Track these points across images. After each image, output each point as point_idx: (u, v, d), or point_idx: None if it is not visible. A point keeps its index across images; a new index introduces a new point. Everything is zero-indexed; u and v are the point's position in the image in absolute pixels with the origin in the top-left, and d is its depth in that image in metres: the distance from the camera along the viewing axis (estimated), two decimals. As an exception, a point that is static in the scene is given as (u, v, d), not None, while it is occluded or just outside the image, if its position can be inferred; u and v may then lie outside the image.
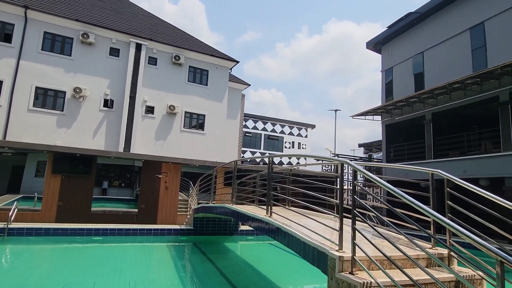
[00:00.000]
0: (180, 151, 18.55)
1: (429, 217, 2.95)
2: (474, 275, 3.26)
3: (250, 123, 36.07)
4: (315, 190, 5.15)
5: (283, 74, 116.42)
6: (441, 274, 3.21)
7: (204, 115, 20.43)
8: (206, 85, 20.77)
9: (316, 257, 3.66)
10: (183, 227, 11.14)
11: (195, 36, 22.96)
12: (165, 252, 9.39)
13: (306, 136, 39.13)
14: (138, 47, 18.82)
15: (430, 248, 3.88)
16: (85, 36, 17.40)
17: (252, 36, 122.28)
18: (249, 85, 24.80)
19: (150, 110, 19.01)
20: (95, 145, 16.80)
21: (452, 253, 3.63)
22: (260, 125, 36.72)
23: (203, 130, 20.33)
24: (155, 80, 19.26)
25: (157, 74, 19.41)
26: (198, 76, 20.73)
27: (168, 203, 12.66)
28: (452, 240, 3.69)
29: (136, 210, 12.39)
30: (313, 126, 39.91)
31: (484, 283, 3.31)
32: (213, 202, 9.76)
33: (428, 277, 2.62)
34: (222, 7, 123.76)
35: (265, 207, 5.60)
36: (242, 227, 11.39)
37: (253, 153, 35.20)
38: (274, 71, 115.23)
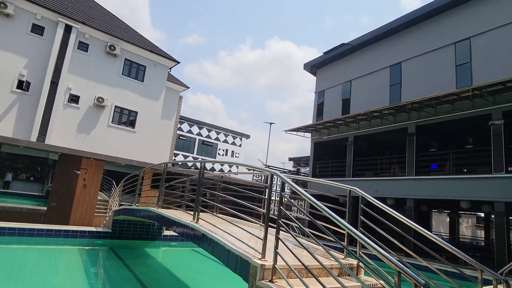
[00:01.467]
0: (105, 147, 17.17)
1: (344, 230, 3.25)
2: (377, 283, 3.67)
3: (185, 126, 35.20)
4: (244, 198, 5.25)
5: (223, 81, 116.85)
6: (350, 283, 3.53)
7: (136, 112, 19.31)
8: (142, 81, 19.74)
9: (239, 265, 3.71)
10: (99, 229, 10.26)
11: (135, 29, 21.76)
12: (75, 257, 8.51)
13: (240, 145, 39.61)
14: (68, 29, 17.08)
15: (342, 258, 4.25)
16: (1, 5, 15.18)
17: (196, 40, 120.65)
18: (188, 87, 24.31)
19: (74, 99, 17.28)
20: (1, 131, 14.59)
21: (360, 264, 4.03)
22: (195, 129, 36.07)
23: (133, 127, 19.17)
24: (84, 68, 17.64)
25: (87, 62, 17.81)
26: (134, 70, 19.61)
27: (84, 203, 11.55)
28: (362, 252, 4.09)
29: (45, 208, 11.03)
30: (247, 136, 40.64)
31: (383, 290, 3.73)
32: (137, 204, 9.22)
33: (339, 285, 2.86)
34: (168, 5, 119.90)
35: (192, 212, 5.51)
36: (166, 232, 10.96)
37: (185, 157, 34.31)
38: (215, 77, 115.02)
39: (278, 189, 4.11)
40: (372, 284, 3.63)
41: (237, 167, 33.02)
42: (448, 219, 21.02)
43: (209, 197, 9.70)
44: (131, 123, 19.18)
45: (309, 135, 20.19)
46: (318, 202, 3.24)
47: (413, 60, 15.46)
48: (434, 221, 23.08)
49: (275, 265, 3.32)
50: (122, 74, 18.97)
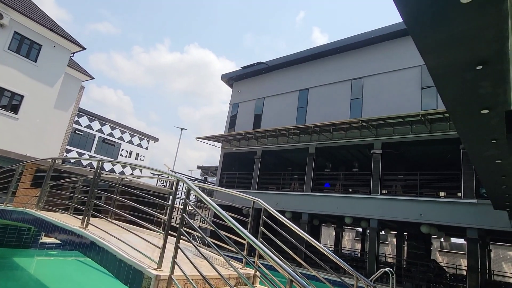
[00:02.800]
0: (-29, 133, 14.01)
1: (245, 240, 3.32)
2: (270, 292, 3.82)
3: (84, 121, 31.46)
4: (146, 204, 4.91)
5: (135, 79, 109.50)
6: (246, 292, 3.60)
7: (22, 96, 16.40)
8: (35, 61, 16.97)
9: (131, 275, 3.42)
10: (-52, 234, 8.20)
11: (33, 2, 18.75)
12: None
13: (147, 148, 37.31)
14: None
15: (241, 268, 4.32)
16: None
17: (108, 29, 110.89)
18: (93, 78, 21.94)
19: None
20: None
21: (257, 273, 4.16)
22: (96, 125, 32.56)
23: (16, 113, 16.19)
24: (-46, 32, 14.25)
25: (-40, 26, 14.45)
26: (26, 47, 16.74)
27: None
28: (260, 262, 4.23)
29: None
30: (156, 139, 38.63)
31: (276, 299, 3.92)
32: (9, 204, 7.71)
33: (235, 295, 2.88)
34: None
35: (81, 217, 4.88)
36: (45, 239, 9.42)
37: (80, 154, 30.53)
38: (126, 73, 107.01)
39: (183, 196, 3.98)
40: (266, 293, 3.77)
41: (141, 170, 30.97)
42: (334, 233, 23.60)
43: (104, 201, 8.79)
44: (13, 108, 16.19)
45: (219, 145, 20.34)
46: (222, 212, 3.24)
47: (319, 88, 17.21)
48: (322, 234, 25.63)
49: (172, 276, 3.16)
50: (8, 48, 15.98)
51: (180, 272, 3.17)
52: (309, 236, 4.40)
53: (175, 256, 3.21)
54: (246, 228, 3.54)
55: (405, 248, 18.21)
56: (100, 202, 5.24)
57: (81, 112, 30.47)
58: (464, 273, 13.13)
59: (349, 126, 14.21)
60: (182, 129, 31.47)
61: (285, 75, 19.02)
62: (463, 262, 21.52)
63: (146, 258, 3.55)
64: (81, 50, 19.05)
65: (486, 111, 3.81)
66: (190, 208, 3.75)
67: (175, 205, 3.83)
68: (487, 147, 4.98)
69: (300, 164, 17.53)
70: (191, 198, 3.56)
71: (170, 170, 27.26)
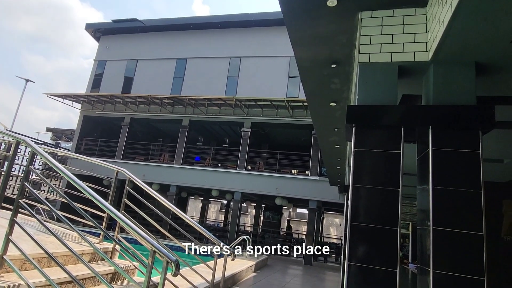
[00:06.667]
0: None
1: (105, 213, 3.06)
2: (131, 265, 3.70)
3: None
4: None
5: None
6: (102, 268, 3.36)
7: None
8: None
9: None
10: None
11: None
12: None
13: (-31, 100, 28.83)
14: None
15: (97, 243, 3.98)
16: None
17: None
18: None
19: None
20: None
21: (116, 247, 3.92)
22: None
23: None
24: None
25: None
26: None
27: None
28: (121, 236, 3.99)
29: None
30: (-14, 90, 30.24)
31: (136, 272, 3.82)
32: None
33: (90, 271, 2.66)
34: None
35: None
36: None
37: None
38: None
39: (25, 162, 3.32)
40: (125, 266, 3.62)
41: (-40, 128, 23.86)
42: (200, 205, 24.44)
43: None
44: None
45: (79, 106, 17.67)
46: (78, 181, 2.87)
47: (198, 60, 16.93)
48: (189, 206, 26.16)
49: (4, 256, 2.64)
50: None
51: (17, 251, 2.68)
52: (176, 208, 4.42)
53: (9, 233, 2.67)
54: (106, 200, 3.26)
55: (262, 217, 20.60)
56: None
57: None
58: (304, 236, 15.91)
59: (224, 103, 14.68)
60: (27, 80, 25.54)
61: (163, 40, 17.85)
62: (304, 228, 26.03)
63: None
64: None
65: (334, 104, 4.59)
66: (34, 176, 3.16)
67: (12, 173, 3.16)
68: (331, 134, 6.06)
69: (172, 136, 17.13)
70: (36, 165, 3.01)
71: (7, 130, 22.10)
